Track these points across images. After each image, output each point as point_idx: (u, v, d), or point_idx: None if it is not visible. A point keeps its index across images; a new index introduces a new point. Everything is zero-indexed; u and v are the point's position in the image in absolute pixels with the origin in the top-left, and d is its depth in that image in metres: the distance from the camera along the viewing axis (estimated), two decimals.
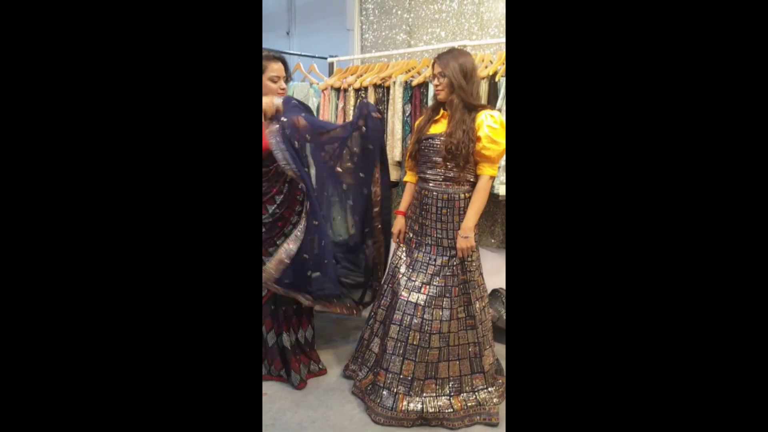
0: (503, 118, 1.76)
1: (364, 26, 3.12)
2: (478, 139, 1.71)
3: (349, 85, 2.64)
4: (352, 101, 2.64)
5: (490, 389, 1.83)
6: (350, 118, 2.47)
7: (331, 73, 2.99)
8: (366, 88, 2.59)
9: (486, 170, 1.75)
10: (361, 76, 2.65)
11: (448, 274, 1.79)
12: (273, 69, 1.90)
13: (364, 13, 3.10)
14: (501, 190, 2.14)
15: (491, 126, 1.70)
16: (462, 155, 1.71)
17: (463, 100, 1.72)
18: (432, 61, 1.83)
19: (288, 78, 1.99)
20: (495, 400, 1.82)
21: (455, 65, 1.72)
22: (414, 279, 1.82)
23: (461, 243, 1.76)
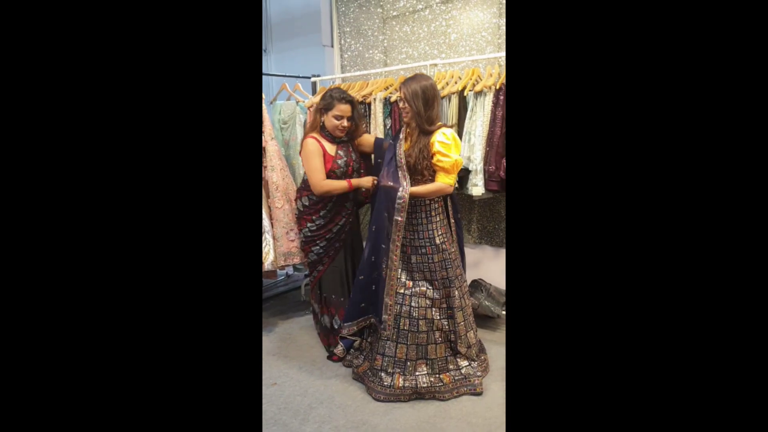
0: (455, 134, 2.01)
1: (343, 46, 3.38)
2: (433, 154, 1.96)
3: None
4: None
5: (473, 365, 2.09)
6: None
7: (314, 91, 3.23)
8: None
9: (441, 179, 2.00)
10: None
11: (425, 270, 2.06)
12: (339, 108, 2.20)
13: (341, 34, 3.36)
14: (474, 191, 2.42)
15: (442, 141, 1.95)
16: (418, 170, 1.98)
17: (418, 125, 1.97)
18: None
19: (353, 121, 2.27)
20: (479, 374, 2.08)
21: (417, 90, 1.95)
22: (399, 275, 2.08)
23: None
